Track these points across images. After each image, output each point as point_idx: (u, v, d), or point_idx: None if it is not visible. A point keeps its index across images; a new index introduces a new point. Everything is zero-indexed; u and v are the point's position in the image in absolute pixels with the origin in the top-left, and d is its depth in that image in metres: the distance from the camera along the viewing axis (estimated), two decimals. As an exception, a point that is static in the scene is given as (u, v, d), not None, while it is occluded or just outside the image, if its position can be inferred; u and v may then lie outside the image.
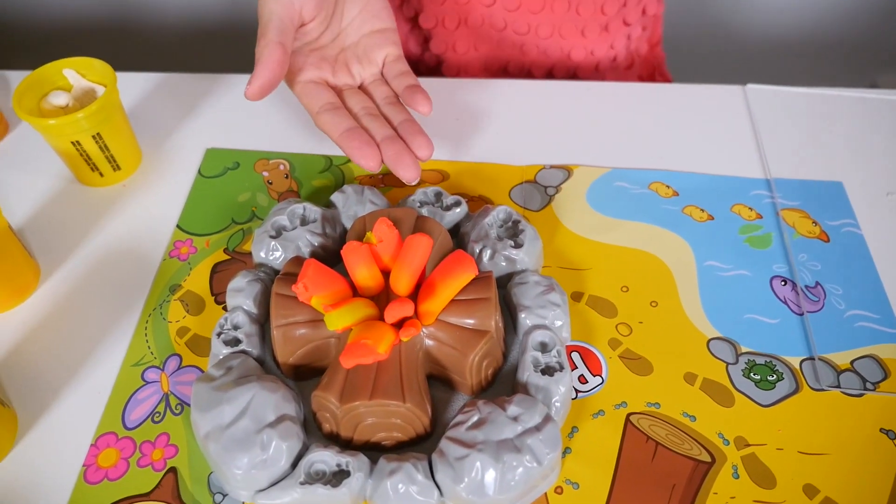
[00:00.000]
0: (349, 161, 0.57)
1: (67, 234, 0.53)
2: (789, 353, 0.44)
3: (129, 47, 1.26)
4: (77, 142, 0.52)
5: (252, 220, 0.53)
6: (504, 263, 0.45)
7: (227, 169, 0.57)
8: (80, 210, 0.54)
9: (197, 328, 0.47)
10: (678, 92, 0.62)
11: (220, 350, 0.42)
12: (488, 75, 0.70)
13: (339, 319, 0.38)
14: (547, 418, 0.37)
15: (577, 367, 0.44)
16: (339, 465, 0.37)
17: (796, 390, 0.43)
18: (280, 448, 0.37)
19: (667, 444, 0.41)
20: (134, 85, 0.64)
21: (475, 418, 0.37)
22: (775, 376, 0.43)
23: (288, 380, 0.43)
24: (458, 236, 0.49)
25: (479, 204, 0.53)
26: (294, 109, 0.60)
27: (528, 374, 0.40)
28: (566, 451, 0.41)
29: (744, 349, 0.45)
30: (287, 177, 0.56)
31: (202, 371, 0.45)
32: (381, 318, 0.40)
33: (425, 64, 0.71)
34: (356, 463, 0.37)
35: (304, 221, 0.48)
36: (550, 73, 0.69)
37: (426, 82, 0.63)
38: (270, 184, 0.55)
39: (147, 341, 0.46)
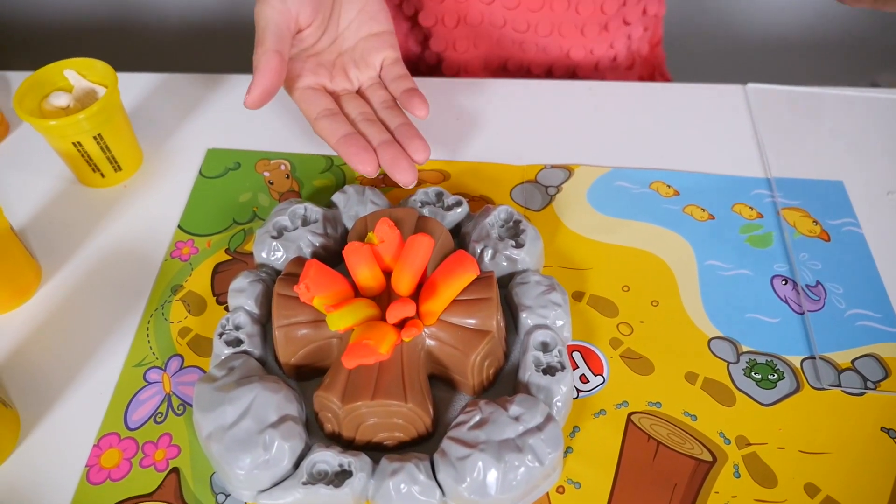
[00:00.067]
0: (350, 161, 0.57)
1: (69, 234, 0.53)
2: (790, 353, 0.44)
3: (129, 48, 1.26)
4: (78, 142, 0.52)
5: (253, 221, 0.53)
6: (505, 263, 0.45)
7: (228, 169, 0.57)
8: (82, 211, 0.54)
9: (198, 328, 0.47)
10: (679, 91, 0.62)
11: (221, 350, 0.42)
12: (488, 73, 0.70)
13: (340, 320, 0.38)
14: (548, 418, 0.37)
15: (578, 367, 0.44)
16: (341, 466, 0.37)
17: (797, 389, 0.43)
18: (282, 448, 0.37)
19: (668, 443, 0.41)
20: (135, 85, 0.64)
21: (477, 418, 0.38)
22: (776, 375, 0.43)
23: (290, 380, 0.43)
24: (460, 236, 0.49)
25: (480, 204, 0.53)
26: (295, 110, 0.61)
27: (529, 374, 0.40)
28: (568, 450, 0.41)
29: (745, 348, 0.45)
30: (288, 177, 0.56)
31: (204, 371, 0.45)
32: (382, 318, 0.40)
33: (425, 62, 0.71)
34: (358, 463, 0.37)
35: (305, 222, 0.48)
36: (549, 72, 0.69)
37: (427, 82, 0.63)
38: (271, 184, 0.56)
39: (149, 342, 0.46)
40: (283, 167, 0.57)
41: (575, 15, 0.65)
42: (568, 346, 0.45)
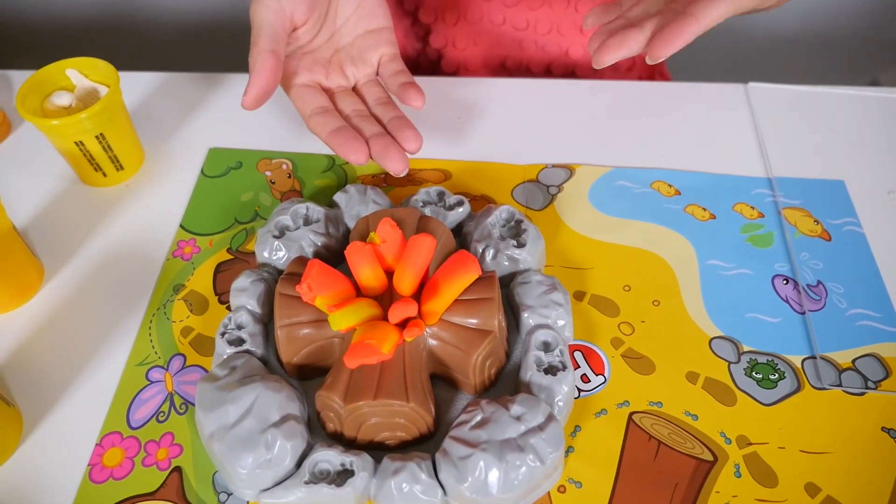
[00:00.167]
0: (352, 160, 0.57)
1: (71, 234, 0.53)
2: (791, 352, 0.44)
3: (131, 47, 1.26)
4: (80, 142, 0.52)
5: (255, 220, 0.53)
6: (507, 263, 0.45)
7: (230, 168, 0.57)
8: (84, 210, 0.54)
9: (201, 328, 0.47)
10: (680, 90, 0.62)
11: (223, 350, 0.43)
12: (487, 70, 0.70)
13: (343, 319, 0.38)
14: (550, 417, 0.38)
15: (579, 367, 0.44)
16: (343, 465, 0.37)
17: (798, 389, 0.43)
18: (284, 447, 0.37)
19: (669, 442, 0.41)
20: (136, 84, 0.64)
21: (478, 418, 0.38)
22: (777, 375, 0.43)
23: (292, 379, 0.43)
24: (461, 236, 0.49)
25: (481, 203, 0.53)
26: (295, 110, 0.60)
27: (530, 374, 0.40)
28: (569, 450, 0.41)
29: (745, 348, 0.45)
30: (290, 176, 0.56)
31: (206, 371, 0.45)
32: (384, 318, 0.40)
33: (426, 58, 0.71)
34: (360, 462, 0.37)
35: (307, 221, 0.48)
36: (548, 70, 0.69)
37: (428, 81, 0.63)
38: (273, 183, 0.56)
39: (151, 341, 0.46)
40: (284, 166, 0.57)
41: (574, 14, 0.65)
42: (569, 345, 0.45)
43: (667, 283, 0.48)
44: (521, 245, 0.46)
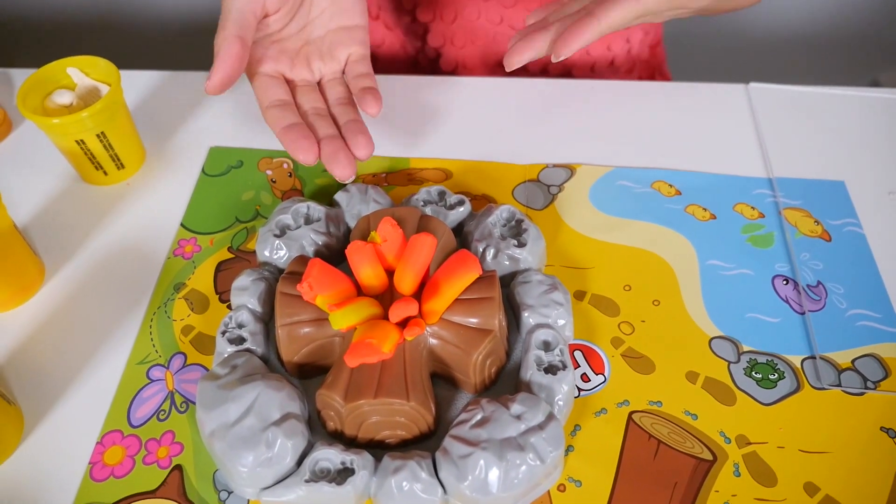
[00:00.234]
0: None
1: (71, 232, 0.53)
2: (791, 352, 0.44)
3: (132, 45, 1.26)
4: (81, 140, 0.52)
5: (256, 219, 0.53)
6: (507, 262, 0.45)
7: (231, 167, 0.57)
8: (85, 208, 0.54)
9: (201, 326, 0.47)
10: (681, 91, 0.62)
11: (224, 348, 0.43)
12: (485, 68, 0.70)
13: (343, 318, 0.38)
14: (550, 417, 0.38)
15: (579, 366, 0.44)
16: (343, 463, 0.38)
17: (797, 389, 0.43)
18: (285, 446, 0.37)
19: (669, 442, 0.41)
20: (137, 83, 0.64)
21: (479, 416, 0.38)
22: (777, 375, 0.43)
23: (292, 378, 0.43)
24: (462, 235, 0.49)
25: (482, 203, 0.53)
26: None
27: (531, 373, 0.40)
28: (569, 449, 0.41)
29: (745, 348, 0.45)
30: (290, 175, 0.56)
31: (207, 369, 0.45)
32: (385, 317, 0.40)
33: (425, 57, 0.71)
34: (361, 461, 0.37)
35: (308, 220, 0.48)
36: (545, 70, 0.69)
37: (429, 80, 0.63)
38: (274, 182, 0.56)
39: (152, 339, 0.46)
40: (285, 165, 0.57)
41: None
42: (569, 345, 0.45)
43: (667, 283, 0.48)
44: (521, 244, 0.46)
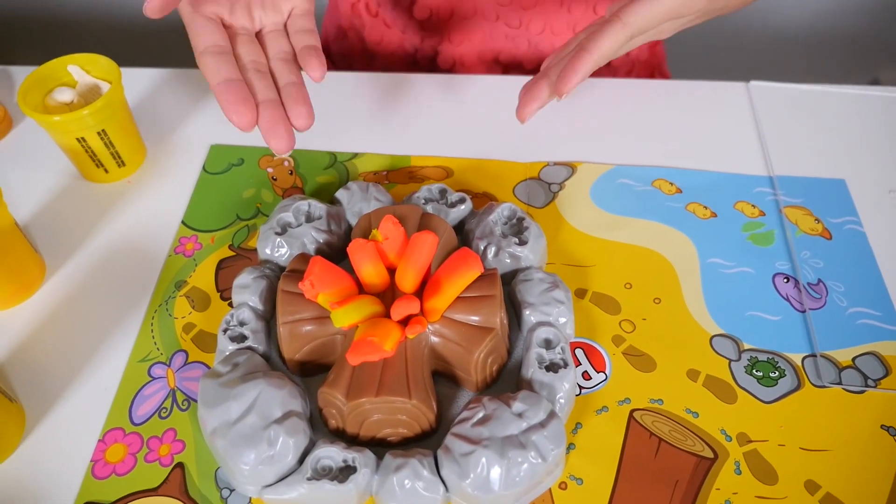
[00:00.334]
0: (354, 157, 0.57)
1: (72, 230, 0.53)
2: (791, 350, 0.45)
3: (133, 43, 1.26)
4: (82, 138, 0.52)
5: (257, 217, 0.53)
6: (508, 260, 0.45)
7: (232, 165, 0.57)
8: (85, 206, 0.54)
9: (203, 324, 0.47)
10: (682, 89, 0.62)
11: (226, 346, 0.43)
12: (483, 66, 0.70)
13: (345, 316, 0.38)
14: (551, 415, 0.38)
15: (580, 364, 0.44)
16: (345, 461, 0.38)
17: (798, 387, 0.43)
18: (287, 444, 0.37)
19: (670, 440, 0.41)
20: (138, 81, 0.64)
21: (480, 415, 0.38)
22: (777, 373, 0.44)
23: (294, 376, 0.43)
24: (463, 233, 0.49)
25: (483, 201, 0.53)
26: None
27: (532, 371, 0.40)
28: (570, 447, 0.41)
29: (746, 346, 0.45)
30: (291, 173, 0.56)
31: (208, 367, 0.45)
32: (386, 315, 0.40)
33: (423, 53, 0.71)
34: (362, 459, 0.37)
35: (309, 218, 0.48)
36: (540, 67, 0.69)
37: (430, 78, 0.63)
38: (275, 180, 0.56)
39: (153, 337, 0.46)
40: (286, 163, 0.57)
41: (567, 15, 0.65)
42: (570, 343, 0.45)
43: (668, 281, 0.48)
44: (522, 242, 0.46)
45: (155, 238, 0.52)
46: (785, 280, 0.48)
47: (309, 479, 0.37)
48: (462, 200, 0.49)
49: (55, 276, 0.50)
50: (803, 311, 0.46)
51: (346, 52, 0.76)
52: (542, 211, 0.52)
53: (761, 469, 0.40)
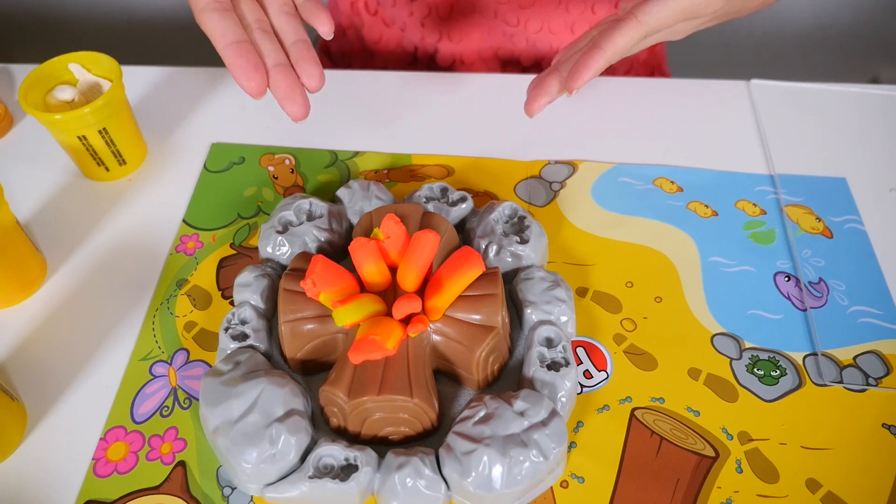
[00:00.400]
0: (355, 156, 0.57)
1: (73, 228, 0.53)
2: (792, 349, 0.45)
3: (134, 41, 1.26)
4: (83, 136, 0.52)
5: (258, 215, 0.53)
6: (510, 259, 0.45)
7: (233, 164, 0.57)
8: (86, 204, 0.54)
9: (204, 323, 0.47)
10: (683, 87, 0.62)
11: (227, 345, 0.43)
12: (483, 64, 0.70)
13: (347, 315, 0.38)
14: (553, 413, 0.38)
15: (582, 363, 0.44)
16: (347, 460, 0.38)
17: (799, 386, 0.43)
18: (289, 442, 0.37)
19: (671, 438, 0.41)
20: (139, 79, 0.64)
21: (482, 413, 0.38)
22: (778, 372, 0.44)
23: (295, 375, 0.43)
24: (464, 232, 0.49)
25: (484, 199, 0.53)
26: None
27: (534, 370, 0.40)
28: (571, 445, 0.41)
29: (747, 345, 0.45)
30: (292, 171, 0.56)
31: (210, 365, 0.45)
32: (388, 313, 0.40)
33: (422, 51, 0.71)
34: (364, 457, 0.37)
35: (310, 217, 0.48)
36: (538, 65, 0.69)
37: (431, 77, 0.63)
38: (276, 178, 0.56)
39: (154, 336, 0.46)
40: (287, 162, 0.57)
41: (565, 14, 0.65)
42: (572, 341, 0.45)
43: (669, 280, 0.48)
44: (524, 241, 0.46)
45: (156, 236, 0.52)
46: (786, 279, 0.48)
47: (311, 478, 0.37)
48: (463, 199, 0.49)
49: (56, 275, 0.50)
50: (804, 310, 0.46)
51: (346, 50, 0.76)
52: (543, 209, 0.52)
53: (762, 467, 0.40)
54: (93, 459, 0.41)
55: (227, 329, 0.43)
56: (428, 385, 0.39)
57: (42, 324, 0.47)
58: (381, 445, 0.40)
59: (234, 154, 0.57)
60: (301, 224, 0.47)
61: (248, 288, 0.45)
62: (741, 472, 0.40)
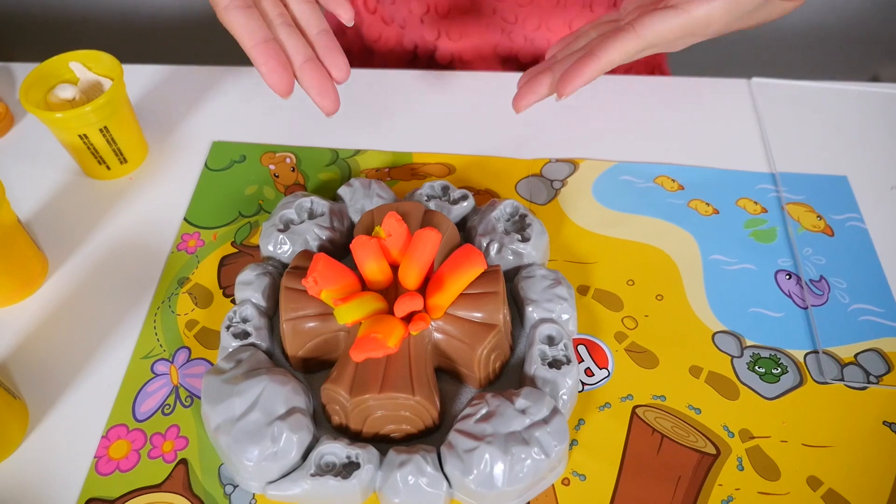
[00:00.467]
0: (356, 154, 0.57)
1: (75, 227, 0.53)
2: (793, 347, 0.45)
3: (135, 40, 1.26)
4: (84, 135, 0.52)
5: (259, 213, 0.53)
6: (511, 257, 0.45)
7: (234, 162, 0.57)
8: (88, 203, 0.54)
9: (205, 321, 0.47)
10: (683, 85, 0.62)
11: (229, 343, 0.43)
12: (482, 62, 0.70)
13: (349, 313, 0.38)
14: (554, 411, 0.38)
15: (583, 360, 0.44)
16: (348, 457, 0.38)
17: (800, 383, 0.43)
18: (290, 440, 0.37)
19: (672, 436, 0.41)
20: (140, 77, 0.64)
21: (483, 411, 0.38)
22: (780, 369, 0.44)
23: (297, 373, 0.43)
24: (466, 230, 0.49)
25: (485, 197, 0.53)
26: (300, 102, 0.60)
27: (535, 368, 0.41)
28: (573, 443, 0.41)
29: (748, 342, 0.45)
30: (293, 170, 0.56)
31: (211, 364, 0.45)
32: (390, 311, 0.40)
33: (422, 49, 0.71)
34: (366, 455, 0.37)
35: (311, 215, 0.48)
36: (536, 62, 0.69)
37: (431, 75, 0.63)
38: (277, 177, 0.56)
39: (156, 334, 0.46)
40: (288, 160, 0.57)
41: (562, 11, 0.65)
42: (573, 339, 0.45)
43: (670, 278, 0.48)
44: (525, 239, 0.46)
45: (157, 235, 0.52)
46: (787, 277, 0.48)
47: (312, 476, 0.37)
48: (464, 197, 0.49)
49: (58, 273, 0.50)
50: (805, 308, 0.46)
51: (345, 48, 0.76)
52: (544, 208, 0.53)
53: (764, 465, 0.40)
54: (94, 457, 0.41)
55: (228, 327, 0.43)
56: (429, 383, 0.39)
57: (43, 322, 0.47)
58: (382, 443, 0.40)
59: (235, 152, 0.57)
60: (302, 222, 0.47)
61: (250, 286, 0.45)
62: (742, 469, 0.40)
